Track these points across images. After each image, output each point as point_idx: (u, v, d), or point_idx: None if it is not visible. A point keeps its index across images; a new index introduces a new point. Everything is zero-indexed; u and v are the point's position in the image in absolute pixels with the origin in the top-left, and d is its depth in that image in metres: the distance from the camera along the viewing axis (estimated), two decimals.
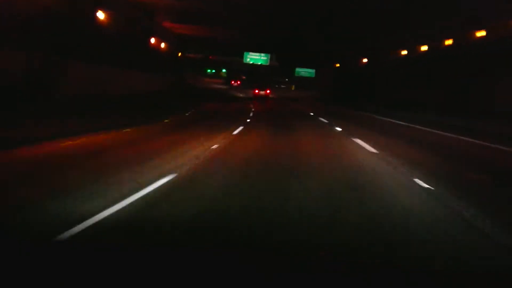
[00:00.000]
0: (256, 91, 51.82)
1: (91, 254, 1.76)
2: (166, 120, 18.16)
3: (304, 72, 66.87)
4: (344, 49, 38.07)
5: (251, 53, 71.69)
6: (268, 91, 53.16)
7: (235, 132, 14.50)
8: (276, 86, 76.71)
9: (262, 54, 71.92)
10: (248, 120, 20.24)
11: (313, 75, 66.25)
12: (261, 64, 72.16)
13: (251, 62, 71.89)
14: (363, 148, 11.43)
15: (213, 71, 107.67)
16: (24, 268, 1.51)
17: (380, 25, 27.81)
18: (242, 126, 16.47)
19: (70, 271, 1.52)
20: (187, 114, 22.59)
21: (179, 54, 38.23)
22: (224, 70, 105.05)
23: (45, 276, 1.48)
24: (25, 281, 1.43)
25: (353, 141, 12.90)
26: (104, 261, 1.66)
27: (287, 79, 77.36)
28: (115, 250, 1.91)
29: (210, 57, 76.25)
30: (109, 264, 1.63)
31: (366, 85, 35.69)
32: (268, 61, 72.24)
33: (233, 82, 72.83)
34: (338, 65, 48.72)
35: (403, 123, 22.11)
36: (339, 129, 17.52)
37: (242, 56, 71.19)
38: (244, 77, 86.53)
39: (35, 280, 1.45)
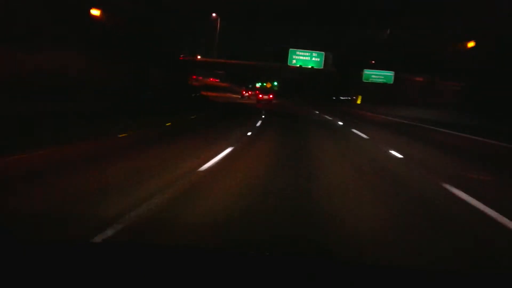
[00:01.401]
0: (260, 96, 51.50)
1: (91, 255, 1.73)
2: None
3: (377, 75, 43.97)
4: None
5: (298, 51, 51.13)
6: (271, 96, 52.47)
7: None
8: (334, 98, 54.19)
9: (314, 54, 50.93)
10: None
11: (391, 81, 42.93)
12: (312, 68, 50.69)
13: (298, 65, 50.93)
14: None
15: (264, 84, 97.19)
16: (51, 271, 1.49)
17: None
18: None
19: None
20: None
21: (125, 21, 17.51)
22: (275, 83, 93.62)
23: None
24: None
25: None
26: (103, 261, 1.64)
27: (352, 91, 54.48)
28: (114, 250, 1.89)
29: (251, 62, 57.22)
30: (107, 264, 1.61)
31: None
32: (322, 63, 50.83)
33: (244, 92, 64.67)
34: (472, 43, 25.90)
35: None
36: None
37: (286, 58, 50.96)
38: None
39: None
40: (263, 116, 21.68)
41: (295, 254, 3.20)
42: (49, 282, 1.41)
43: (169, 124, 14.60)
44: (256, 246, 3.42)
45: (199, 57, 53.81)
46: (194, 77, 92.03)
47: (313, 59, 52.24)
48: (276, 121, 20.13)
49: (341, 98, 51.88)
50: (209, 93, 55.29)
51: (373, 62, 50.13)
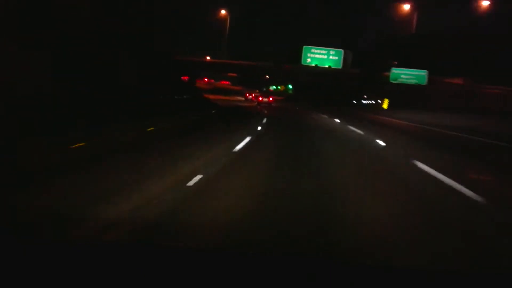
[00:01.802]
0: (260, 98, 50.75)
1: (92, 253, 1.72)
2: None
3: (407, 76, 36.80)
4: None
5: (313, 49, 44.91)
6: (271, 99, 51.54)
7: None
8: (354, 102, 47.28)
9: (331, 51, 44.50)
10: None
11: (424, 82, 35.79)
12: (329, 68, 44.57)
13: (313, 65, 44.36)
14: None
15: (278, 88, 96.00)
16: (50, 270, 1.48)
17: None
18: None
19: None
20: None
21: None
22: (290, 87, 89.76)
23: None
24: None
25: None
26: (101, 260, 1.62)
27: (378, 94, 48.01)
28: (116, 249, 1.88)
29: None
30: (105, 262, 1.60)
31: None
32: (341, 62, 44.21)
33: (247, 94, 61.99)
34: None
35: None
36: None
37: (300, 56, 44.74)
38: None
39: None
40: (259, 128, 15.25)
41: (295, 254, 3.03)
42: (49, 282, 1.41)
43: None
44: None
45: (208, 58, 48.37)
46: (206, 79, 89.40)
47: (331, 57, 45.80)
48: (278, 136, 13.34)
49: (363, 102, 44.61)
50: (218, 96, 53.96)
51: (396, 62, 44.07)
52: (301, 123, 20.33)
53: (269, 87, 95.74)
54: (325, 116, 27.42)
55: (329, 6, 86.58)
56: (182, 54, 43.37)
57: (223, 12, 50.38)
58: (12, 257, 1.53)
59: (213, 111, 24.95)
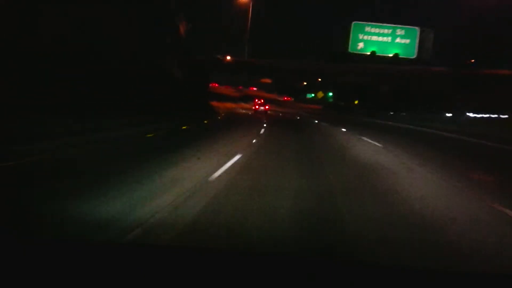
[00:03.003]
0: (256, 106, 48.56)
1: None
2: None
3: None
4: None
5: (368, 26, 29.11)
6: (267, 107, 48.91)
7: None
8: (448, 115, 28.62)
9: (399, 30, 27.47)
10: None
11: None
12: (396, 57, 28.50)
13: (368, 52, 28.81)
14: None
15: (313, 95, 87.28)
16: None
17: None
18: None
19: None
20: None
21: None
22: (330, 94, 78.31)
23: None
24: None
25: None
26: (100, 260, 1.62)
27: None
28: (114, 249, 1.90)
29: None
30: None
31: None
32: (415, 48, 28.53)
33: (256, 100, 55.50)
34: None
35: None
36: None
37: (347, 40, 29.49)
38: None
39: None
40: None
41: (295, 254, 3.08)
42: (49, 282, 1.42)
43: None
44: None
45: (228, 57, 38.32)
46: (241, 87, 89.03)
47: (398, 40, 28.37)
48: None
49: (470, 115, 25.25)
50: (240, 105, 59.14)
51: (473, 60, 26.23)
52: None
53: (305, 95, 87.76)
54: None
55: None
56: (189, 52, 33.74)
57: None
58: (12, 257, 1.54)
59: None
